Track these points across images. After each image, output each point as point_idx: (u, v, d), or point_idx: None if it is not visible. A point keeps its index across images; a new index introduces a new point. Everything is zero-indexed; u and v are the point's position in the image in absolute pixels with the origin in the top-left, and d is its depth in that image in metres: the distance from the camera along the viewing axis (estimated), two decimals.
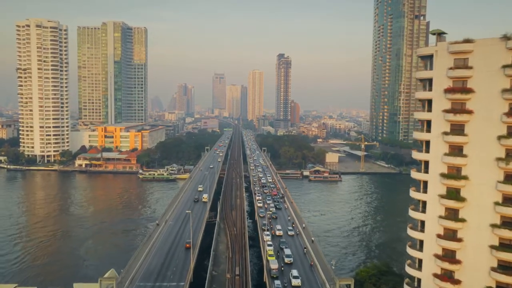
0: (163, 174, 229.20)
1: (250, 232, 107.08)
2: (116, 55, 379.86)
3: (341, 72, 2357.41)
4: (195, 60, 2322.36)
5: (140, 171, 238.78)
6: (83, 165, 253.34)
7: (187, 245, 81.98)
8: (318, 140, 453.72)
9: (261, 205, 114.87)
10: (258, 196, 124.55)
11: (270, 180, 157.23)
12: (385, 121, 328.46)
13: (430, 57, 54.08)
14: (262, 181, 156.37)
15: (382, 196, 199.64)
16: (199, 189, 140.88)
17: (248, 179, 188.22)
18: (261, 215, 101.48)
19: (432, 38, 54.00)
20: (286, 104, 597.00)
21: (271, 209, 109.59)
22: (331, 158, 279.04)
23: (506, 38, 47.67)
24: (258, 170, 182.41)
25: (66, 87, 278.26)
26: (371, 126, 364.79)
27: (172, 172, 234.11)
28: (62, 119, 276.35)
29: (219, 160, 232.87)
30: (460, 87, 50.50)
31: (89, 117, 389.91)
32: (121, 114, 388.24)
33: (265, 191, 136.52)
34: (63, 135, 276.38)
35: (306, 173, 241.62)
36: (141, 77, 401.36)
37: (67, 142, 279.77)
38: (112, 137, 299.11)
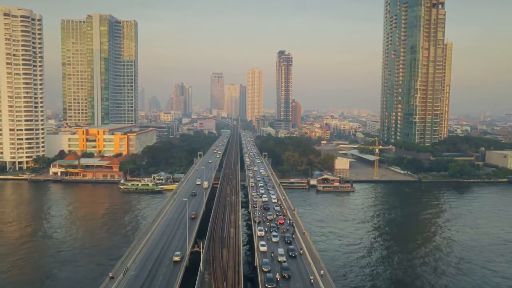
0: (147, 185, 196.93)
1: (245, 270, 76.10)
2: (103, 51, 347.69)
3: (341, 72, 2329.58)
4: (194, 60, 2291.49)
5: (122, 180, 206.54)
6: (59, 173, 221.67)
7: None
8: (322, 142, 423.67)
9: (265, 249, 78.86)
10: (260, 230, 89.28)
11: (275, 200, 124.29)
12: (398, 121, 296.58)
13: None
14: (264, 198, 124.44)
15: (405, 211, 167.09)
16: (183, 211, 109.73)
17: (245, 189, 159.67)
18: (265, 269, 68.21)
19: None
20: (287, 103, 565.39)
21: (279, 258, 73.79)
22: (341, 164, 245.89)
23: None
24: (260, 185, 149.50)
25: (40, 84, 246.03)
26: (382, 127, 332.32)
27: (159, 182, 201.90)
28: (37, 120, 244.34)
29: (216, 158, 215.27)
30: None
31: (75, 118, 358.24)
32: (108, 115, 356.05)
33: (268, 217, 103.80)
34: (37, 139, 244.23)
35: (313, 182, 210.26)
36: (130, 75, 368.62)
37: (43, 147, 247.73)
38: (95, 140, 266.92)
